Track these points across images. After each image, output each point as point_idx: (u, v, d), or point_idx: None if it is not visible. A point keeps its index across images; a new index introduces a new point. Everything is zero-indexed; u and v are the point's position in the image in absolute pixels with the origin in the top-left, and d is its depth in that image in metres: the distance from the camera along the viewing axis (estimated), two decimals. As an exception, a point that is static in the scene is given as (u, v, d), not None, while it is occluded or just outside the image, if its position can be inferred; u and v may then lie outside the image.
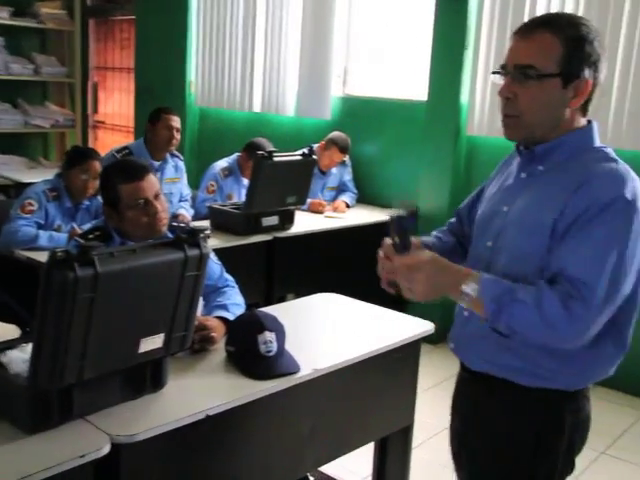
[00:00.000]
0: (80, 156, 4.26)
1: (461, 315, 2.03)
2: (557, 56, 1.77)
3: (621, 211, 1.70)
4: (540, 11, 4.81)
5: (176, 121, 5.11)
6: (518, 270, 1.82)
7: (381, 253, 1.98)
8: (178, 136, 5.14)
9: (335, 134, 5.64)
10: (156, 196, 2.71)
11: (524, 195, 1.89)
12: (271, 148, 5.16)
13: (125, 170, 2.74)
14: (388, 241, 1.91)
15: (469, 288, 1.77)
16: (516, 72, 1.82)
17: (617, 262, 1.70)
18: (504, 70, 1.86)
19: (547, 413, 1.91)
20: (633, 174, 1.79)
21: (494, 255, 1.92)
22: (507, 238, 1.89)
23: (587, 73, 1.79)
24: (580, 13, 4.63)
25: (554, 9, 4.76)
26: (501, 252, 1.90)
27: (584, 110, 1.87)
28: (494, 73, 1.90)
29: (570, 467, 2.00)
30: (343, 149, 5.59)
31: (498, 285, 1.76)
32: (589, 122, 1.90)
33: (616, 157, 1.84)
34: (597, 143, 1.88)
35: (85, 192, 4.24)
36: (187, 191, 5.36)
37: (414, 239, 1.91)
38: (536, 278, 1.77)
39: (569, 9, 4.69)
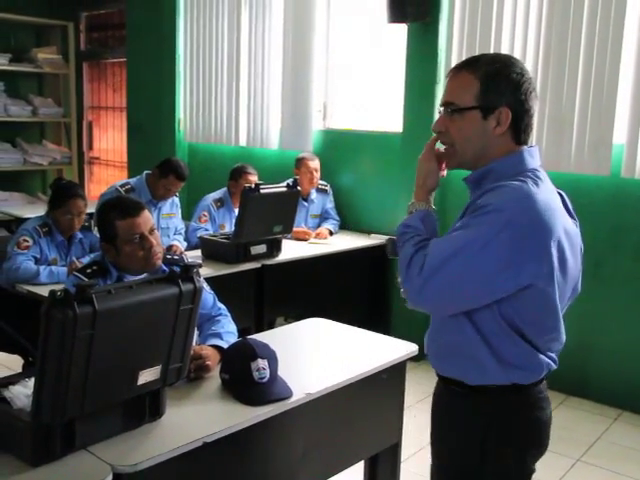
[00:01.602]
0: (62, 197, 4.17)
1: (430, 326, 2.09)
2: (474, 91, 1.86)
3: (486, 215, 1.77)
4: (504, 49, 4.84)
5: (180, 186, 5.08)
6: None
7: None
8: (174, 195, 5.16)
9: (298, 155, 5.69)
10: (151, 231, 2.68)
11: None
12: (252, 169, 5.23)
13: (121, 207, 2.71)
14: None
15: (413, 205, 2.03)
16: (445, 108, 1.93)
17: (454, 249, 1.79)
18: (441, 107, 1.97)
19: (495, 410, 1.94)
20: (538, 194, 1.80)
21: None
22: None
23: (505, 104, 1.85)
24: (540, 52, 4.69)
25: (517, 48, 4.80)
26: None
27: (518, 138, 1.91)
28: (440, 113, 1.98)
29: (524, 470, 2.00)
30: (312, 158, 5.62)
31: (419, 221, 1.97)
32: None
33: (537, 177, 1.87)
34: (531, 166, 1.91)
35: (72, 229, 4.19)
36: (181, 225, 5.32)
37: None
38: None
39: (530, 49, 4.74)
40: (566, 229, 1.88)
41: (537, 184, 1.84)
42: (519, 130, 1.89)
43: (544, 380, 1.98)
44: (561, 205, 1.93)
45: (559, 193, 1.97)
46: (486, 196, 1.82)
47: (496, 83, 1.85)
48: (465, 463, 2.00)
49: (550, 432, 2.05)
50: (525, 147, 1.93)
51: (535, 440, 2.00)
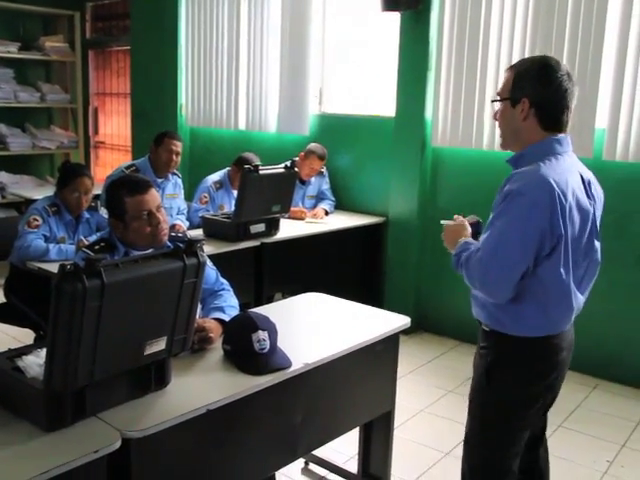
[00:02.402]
0: (70, 176, 4.13)
1: None
2: (509, 86, 2.21)
3: (511, 201, 2.08)
4: (492, 37, 4.83)
5: (177, 145, 5.03)
6: None
7: None
8: (178, 159, 5.06)
9: (312, 145, 5.62)
10: (158, 208, 2.67)
11: None
12: (258, 161, 5.13)
13: (131, 185, 2.69)
14: None
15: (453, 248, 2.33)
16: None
17: (503, 240, 2.09)
18: None
19: (500, 350, 2.28)
20: (550, 175, 2.07)
21: None
22: None
23: (525, 95, 2.16)
24: (527, 40, 4.68)
25: (505, 37, 4.78)
26: None
27: (543, 124, 2.18)
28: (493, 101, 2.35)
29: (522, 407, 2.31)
30: (321, 157, 5.56)
31: (462, 247, 2.26)
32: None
33: (556, 159, 2.14)
34: (557, 152, 2.18)
35: (80, 207, 4.15)
36: (183, 205, 5.29)
37: None
38: None
39: (517, 37, 4.72)
40: (579, 203, 2.14)
41: (551, 166, 2.11)
42: (544, 117, 2.17)
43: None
44: (579, 184, 2.18)
45: (581, 175, 2.21)
46: (509, 184, 2.12)
47: (520, 80, 2.18)
48: (478, 387, 2.37)
49: (559, 377, 2.35)
50: (554, 136, 2.19)
51: (534, 384, 2.28)
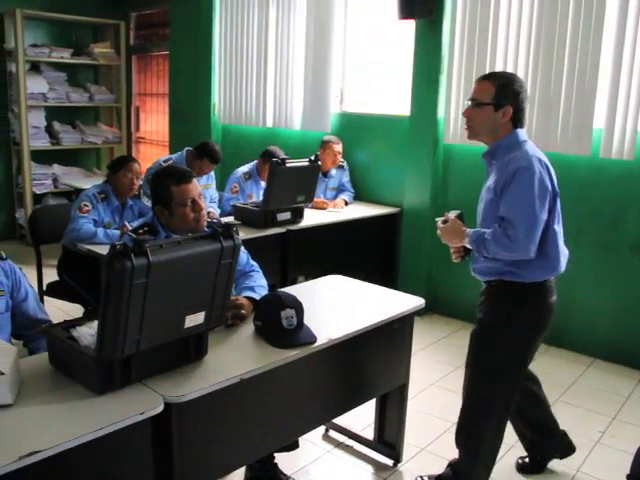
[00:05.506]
0: (122, 161, 4.22)
1: (474, 255, 2.68)
2: (491, 94, 2.51)
3: (521, 175, 2.40)
4: (500, 45, 4.78)
5: (212, 168, 5.07)
6: (486, 224, 2.56)
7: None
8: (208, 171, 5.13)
9: (325, 137, 5.61)
10: (199, 196, 2.67)
11: (488, 181, 2.61)
12: (282, 153, 5.12)
13: (176, 175, 2.68)
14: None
15: (466, 239, 2.55)
16: (471, 102, 2.58)
17: (526, 204, 2.39)
18: (468, 101, 2.62)
19: (514, 296, 2.57)
20: (532, 153, 2.46)
21: (479, 219, 2.65)
22: (480, 208, 2.65)
23: (509, 103, 2.52)
24: (531, 47, 4.61)
25: (511, 45, 4.72)
26: (480, 217, 2.64)
27: (515, 124, 2.55)
28: (467, 104, 2.63)
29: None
30: (337, 142, 5.54)
31: (475, 233, 2.52)
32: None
33: (526, 146, 2.51)
34: (522, 139, 2.55)
35: (132, 189, 4.18)
36: (215, 194, 5.29)
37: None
38: (493, 224, 2.50)
39: (523, 45, 4.65)
40: (549, 174, 2.49)
41: (529, 148, 2.50)
42: (517, 119, 2.54)
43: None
44: (545, 160, 2.53)
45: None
46: (511, 164, 2.44)
47: (504, 91, 2.50)
48: (490, 334, 2.63)
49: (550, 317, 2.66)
50: (518, 129, 2.55)
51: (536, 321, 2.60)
